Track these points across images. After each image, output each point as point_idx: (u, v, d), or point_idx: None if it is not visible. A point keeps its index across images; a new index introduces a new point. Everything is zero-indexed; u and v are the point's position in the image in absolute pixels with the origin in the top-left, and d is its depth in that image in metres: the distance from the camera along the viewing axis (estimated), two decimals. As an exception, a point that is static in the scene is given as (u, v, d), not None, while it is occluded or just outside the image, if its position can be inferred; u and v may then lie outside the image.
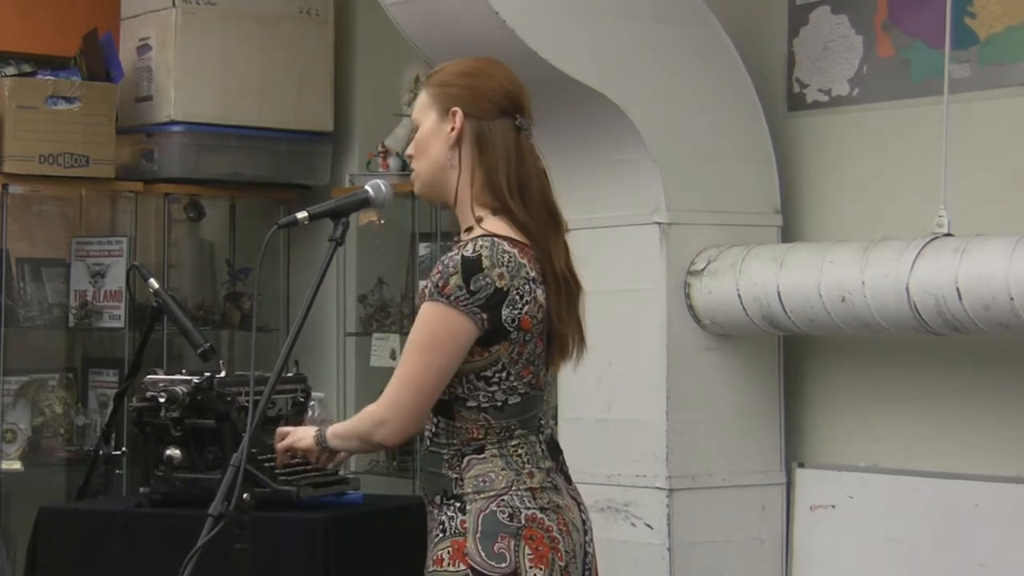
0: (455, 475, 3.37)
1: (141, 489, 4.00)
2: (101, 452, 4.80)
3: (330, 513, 3.87)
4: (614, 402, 4.77)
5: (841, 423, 4.83)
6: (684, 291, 4.71)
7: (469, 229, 3.43)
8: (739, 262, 4.62)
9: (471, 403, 3.36)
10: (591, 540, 3.50)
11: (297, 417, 4.07)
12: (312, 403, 4.23)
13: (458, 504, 3.35)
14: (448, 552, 3.33)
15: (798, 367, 4.92)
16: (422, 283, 3.50)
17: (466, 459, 3.37)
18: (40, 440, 6.27)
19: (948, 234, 4.27)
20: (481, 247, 3.33)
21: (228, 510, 3.10)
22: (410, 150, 3.53)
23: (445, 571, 3.32)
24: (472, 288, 3.30)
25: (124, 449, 5.09)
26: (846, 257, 4.37)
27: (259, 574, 3.30)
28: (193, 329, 4.47)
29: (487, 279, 3.30)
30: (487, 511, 3.33)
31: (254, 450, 3.58)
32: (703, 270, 4.69)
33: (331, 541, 3.77)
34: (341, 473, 4.04)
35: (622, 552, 4.70)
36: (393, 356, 5.94)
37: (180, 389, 3.88)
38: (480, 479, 3.36)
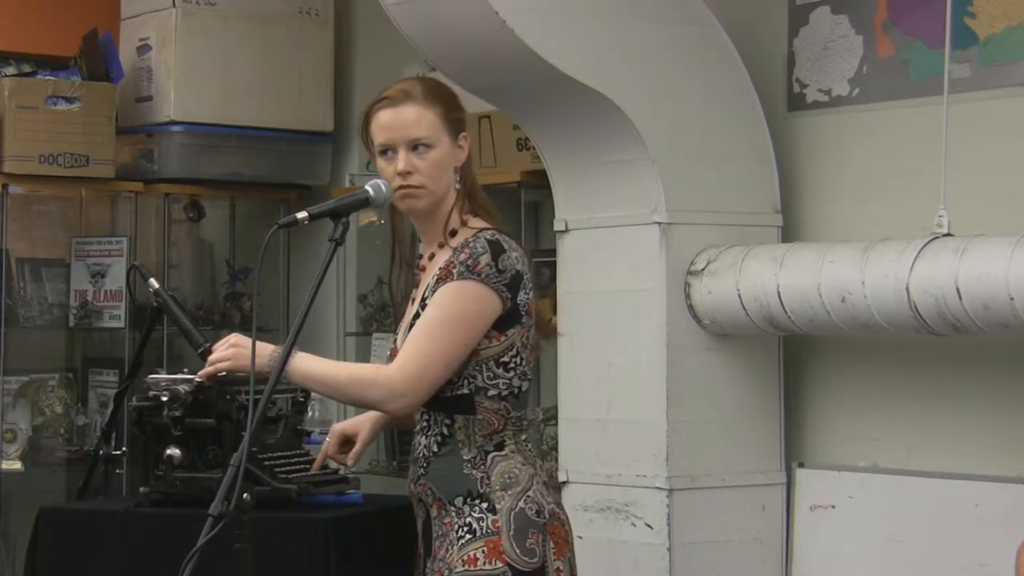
0: (480, 474, 3.48)
1: (141, 489, 4.00)
2: (101, 452, 4.81)
3: (330, 513, 3.87)
4: (614, 402, 4.76)
5: (841, 423, 4.83)
6: (684, 291, 4.70)
7: (454, 232, 3.55)
8: (739, 262, 4.62)
9: (492, 392, 3.48)
10: None
11: (297, 417, 4.07)
12: (312, 403, 4.23)
13: (485, 504, 3.45)
14: (483, 552, 3.43)
15: (798, 367, 4.91)
16: (434, 272, 3.55)
17: (490, 456, 3.49)
18: (40, 440, 6.27)
19: (948, 234, 4.26)
20: (495, 235, 3.49)
21: (228, 510, 3.10)
22: (417, 168, 3.54)
23: (481, 570, 3.42)
24: (500, 267, 3.45)
25: (124, 449, 5.09)
26: (846, 257, 4.37)
27: (259, 574, 3.30)
28: (193, 329, 4.47)
29: (510, 260, 3.47)
30: (517, 509, 3.45)
31: (254, 449, 3.59)
32: (703, 270, 4.68)
33: (331, 541, 3.76)
34: (341, 473, 4.04)
35: (622, 552, 4.70)
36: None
37: (183, 388, 3.87)
38: (506, 475, 3.47)
